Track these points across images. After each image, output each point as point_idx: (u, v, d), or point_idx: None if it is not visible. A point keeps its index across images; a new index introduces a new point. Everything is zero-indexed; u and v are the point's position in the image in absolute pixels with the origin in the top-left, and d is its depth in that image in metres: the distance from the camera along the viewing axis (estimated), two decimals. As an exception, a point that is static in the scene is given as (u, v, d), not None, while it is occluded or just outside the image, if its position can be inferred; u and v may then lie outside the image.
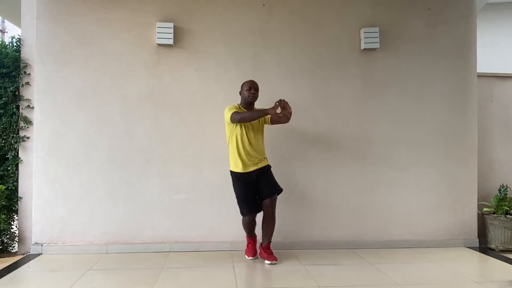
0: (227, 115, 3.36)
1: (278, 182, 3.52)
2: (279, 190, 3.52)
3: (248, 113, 3.34)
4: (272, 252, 3.51)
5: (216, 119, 3.84)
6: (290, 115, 3.33)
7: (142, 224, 3.86)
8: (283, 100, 3.27)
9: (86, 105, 3.84)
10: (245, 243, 3.65)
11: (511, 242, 3.98)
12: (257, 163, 3.42)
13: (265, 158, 3.52)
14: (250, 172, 3.40)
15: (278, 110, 3.27)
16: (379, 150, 4.09)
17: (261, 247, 3.56)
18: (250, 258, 3.58)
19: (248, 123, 3.39)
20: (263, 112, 3.30)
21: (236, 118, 3.30)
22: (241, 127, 3.38)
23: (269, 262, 3.43)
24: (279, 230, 3.94)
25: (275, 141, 3.96)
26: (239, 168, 3.40)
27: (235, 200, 3.51)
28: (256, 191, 3.46)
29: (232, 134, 3.41)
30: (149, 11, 3.91)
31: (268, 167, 3.52)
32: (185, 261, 3.52)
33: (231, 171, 3.48)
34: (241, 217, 3.52)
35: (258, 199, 3.48)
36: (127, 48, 3.89)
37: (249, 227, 3.52)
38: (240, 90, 3.52)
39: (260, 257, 3.57)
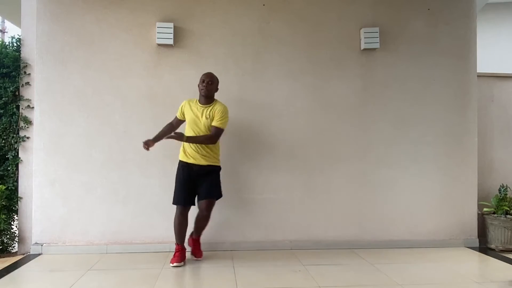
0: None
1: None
2: (217, 195, 3.46)
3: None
4: (199, 247, 3.54)
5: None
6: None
7: (142, 224, 3.86)
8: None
9: (86, 105, 3.84)
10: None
11: (511, 242, 3.98)
12: (200, 159, 3.38)
13: (212, 158, 3.43)
14: (192, 164, 3.38)
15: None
16: (379, 150, 4.09)
17: (191, 238, 3.55)
18: (175, 264, 3.34)
19: (194, 118, 3.39)
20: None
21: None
22: (189, 119, 3.43)
23: (195, 258, 3.49)
24: (279, 230, 3.95)
25: (275, 141, 3.97)
26: (183, 156, 3.43)
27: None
28: (194, 185, 3.42)
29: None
30: (149, 11, 3.91)
31: (214, 168, 3.45)
32: (185, 262, 3.52)
33: (179, 160, 3.49)
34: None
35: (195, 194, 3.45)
36: (127, 48, 3.89)
37: (177, 224, 3.41)
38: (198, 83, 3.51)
39: (188, 245, 3.56)
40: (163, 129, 3.52)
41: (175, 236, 3.46)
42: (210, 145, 3.40)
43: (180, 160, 3.47)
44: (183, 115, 3.49)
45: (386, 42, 4.09)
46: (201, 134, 3.37)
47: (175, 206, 3.52)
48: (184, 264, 3.43)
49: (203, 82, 3.42)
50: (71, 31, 3.84)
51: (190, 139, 3.29)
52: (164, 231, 3.83)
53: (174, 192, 3.46)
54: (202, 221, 3.46)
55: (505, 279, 3.13)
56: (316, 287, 2.91)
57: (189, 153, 3.40)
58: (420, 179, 4.11)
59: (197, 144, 3.37)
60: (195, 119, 3.40)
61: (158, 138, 3.41)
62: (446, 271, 3.33)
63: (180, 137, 3.24)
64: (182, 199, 3.40)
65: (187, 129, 3.46)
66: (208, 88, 3.40)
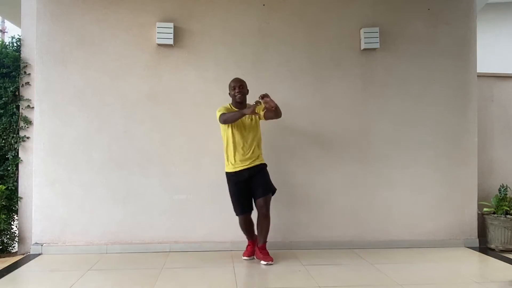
0: (217, 116, 3.40)
1: (275, 182, 3.51)
2: (273, 190, 3.50)
3: (230, 115, 3.34)
4: (268, 253, 3.49)
5: (216, 119, 3.84)
6: (274, 108, 3.24)
7: (142, 224, 3.86)
8: (264, 95, 3.22)
9: (86, 105, 3.84)
10: (245, 244, 3.64)
11: (511, 242, 3.98)
12: (249, 162, 3.41)
13: (259, 156, 3.50)
14: (241, 170, 3.41)
15: (261, 107, 3.29)
16: (379, 150, 4.09)
17: (257, 248, 3.54)
18: (245, 258, 3.57)
19: (240, 122, 3.39)
20: (241, 113, 3.29)
21: (220, 120, 3.37)
22: (233, 126, 3.39)
23: (265, 262, 3.42)
24: (279, 230, 3.94)
25: (275, 141, 3.97)
26: (230, 168, 3.44)
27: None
28: (249, 190, 3.46)
29: (224, 134, 3.45)
30: (149, 11, 3.91)
31: (262, 166, 3.50)
32: (185, 261, 3.52)
33: (225, 172, 3.50)
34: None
35: (252, 198, 3.48)
36: (127, 48, 3.89)
37: (245, 227, 3.52)
38: (228, 91, 3.54)
39: (256, 257, 3.55)
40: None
41: (245, 235, 3.57)
42: (258, 146, 3.46)
43: (228, 172, 3.47)
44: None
45: (386, 42, 4.09)
46: (251, 136, 3.41)
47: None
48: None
49: (235, 88, 3.44)
50: (71, 31, 3.84)
51: (277, 108, 3.27)
52: (164, 231, 3.83)
53: (233, 204, 3.47)
54: (263, 221, 3.45)
55: (505, 279, 3.13)
56: (316, 287, 2.91)
57: (239, 161, 3.40)
58: (420, 179, 4.11)
59: (247, 149, 3.39)
60: (241, 123, 3.40)
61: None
62: (446, 271, 3.33)
63: (272, 101, 3.19)
64: (242, 209, 3.44)
65: (231, 136, 3.40)
66: (242, 92, 3.44)
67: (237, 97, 3.43)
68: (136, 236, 3.85)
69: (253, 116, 3.40)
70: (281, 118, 3.39)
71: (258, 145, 3.51)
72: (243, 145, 3.40)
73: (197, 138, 3.91)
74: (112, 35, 3.88)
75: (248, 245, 3.61)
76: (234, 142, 3.40)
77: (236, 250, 3.81)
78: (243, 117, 3.36)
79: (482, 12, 5.94)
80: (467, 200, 4.14)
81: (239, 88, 3.43)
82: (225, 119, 3.34)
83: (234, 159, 3.40)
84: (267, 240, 3.53)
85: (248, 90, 3.54)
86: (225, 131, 3.43)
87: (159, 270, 3.26)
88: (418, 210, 4.10)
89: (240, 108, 3.41)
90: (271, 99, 3.20)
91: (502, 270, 3.40)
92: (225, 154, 3.47)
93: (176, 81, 3.92)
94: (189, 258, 3.59)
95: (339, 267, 3.39)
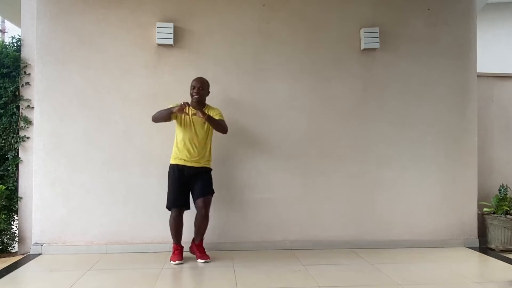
0: None
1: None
2: (212, 192, 3.52)
3: (160, 112, 3.41)
4: (204, 251, 3.50)
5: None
6: (207, 119, 3.33)
7: (142, 224, 3.86)
8: (185, 103, 3.32)
9: (86, 105, 3.84)
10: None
11: (511, 242, 3.98)
12: (195, 161, 3.44)
13: (206, 159, 3.52)
14: (184, 166, 3.43)
15: (191, 111, 3.35)
16: (379, 150, 4.09)
17: (193, 243, 3.54)
18: (178, 262, 3.43)
19: (190, 120, 3.42)
20: (170, 110, 3.36)
21: (152, 118, 3.47)
22: (183, 122, 3.44)
23: (202, 261, 3.44)
24: (279, 230, 3.95)
25: (274, 140, 3.97)
26: (174, 160, 3.47)
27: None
28: (187, 189, 3.49)
29: (176, 128, 3.51)
30: (149, 11, 3.91)
31: (207, 169, 3.53)
32: (185, 261, 3.51)
33: (170, 164, 3.52)
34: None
35: (192, 198, 3.50)
36: (127, 48, 3.89)
37: (175, 226, 3.46)
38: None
39: (191, 252, 3.55)
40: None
41: (173, 237, 3.50)
42: (206, 148, 3.50)
43: (171, 164, 3.50)
44: (176, 116, 3.47)
45: (386, 42, 4.09)
46: (197, 136, 3.43)
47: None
48: (184, 262, 3.44)
49: (194, 88, 3.49)
50: (71, 31, 3.84)
51: (211, 119, 3.35)
52: (164, 231, 3.81)
53: (168, 195, 3.48)
54: (202, 220, 3.48)
55: (505, 279, 3.13)
56: (316, 287, 2.91)
57: (183, 157, 3.43)
58: (420, 179, 4.11)
59: (194, 148, 3.42)
60: (190, 122, 3.43)
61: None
62: (446, 271, 3.33)
63: (204, 114, 3.30)
64: (175, 202, 3.45)
65: (180, 133, 3.47)
66: (200, 93, 3.48)
67: (193, 97, 3.48)
68: (136, 236, 3.85)
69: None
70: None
71: (207, 148, 3.52)
72: (192, 143, 3.42)
73: (197, 138, 3.91)
74: (112, 35, 3.88)
75: (176, 249, 3.50)
76: (182, 138, 3.44)
77: (236, 250, 3.82)
78: (195, 117, 3.39)
79: (482, 12, 5.94)
80: (467, 200, 4.14)
81: (198, 88, 3.47)
82: (155, 117, 3.45)
83: (179, 153, 3.44)
84: (204, 238, 3.56)
85: (208, 92, 3.58)
86: (177, 125, 3.48)
87: (159, 270, 3.26)
88: (418, 210, 4.10)
89: (196, 108, 3.44)
90: (201, 112, 3.29)
91: (502, 270, 3.40)
92: (173, 147, 3.51)
93: (176, 81, 3.92)
94: (189, 258, 3.58)
95: (339, 267, 3.39)
